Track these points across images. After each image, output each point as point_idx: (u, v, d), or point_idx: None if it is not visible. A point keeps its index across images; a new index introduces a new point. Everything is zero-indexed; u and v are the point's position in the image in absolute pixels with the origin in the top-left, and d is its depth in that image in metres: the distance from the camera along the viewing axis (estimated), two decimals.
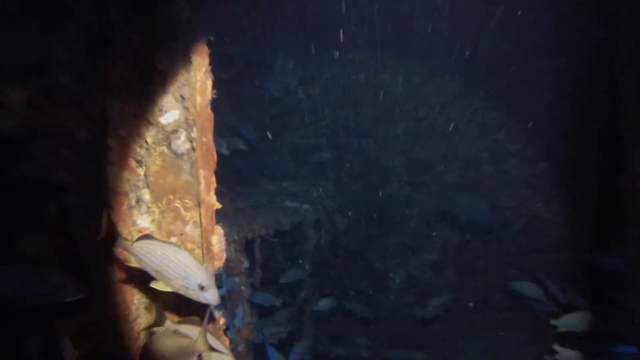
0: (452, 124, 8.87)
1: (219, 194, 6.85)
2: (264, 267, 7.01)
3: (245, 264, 6.21)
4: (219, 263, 2.75)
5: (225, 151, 8.23)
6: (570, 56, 8.01)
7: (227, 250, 6.01)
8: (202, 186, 2.55)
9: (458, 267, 9.03)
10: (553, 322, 6.17)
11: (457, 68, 8.68)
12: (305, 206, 7.83)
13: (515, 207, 8.66)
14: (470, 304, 8.78)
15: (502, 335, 8.04)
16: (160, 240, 2.37)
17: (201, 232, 2.58)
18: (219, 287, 6.24)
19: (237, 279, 6.15)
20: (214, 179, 2.65)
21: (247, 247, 6.39)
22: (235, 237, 6.11)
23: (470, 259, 8.92)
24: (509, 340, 7.89)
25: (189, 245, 2.61)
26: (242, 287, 6.19)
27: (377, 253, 9.39)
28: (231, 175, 9.34)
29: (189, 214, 2.59)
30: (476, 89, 8.68)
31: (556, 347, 6.06)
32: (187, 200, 2.57)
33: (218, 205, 2.67)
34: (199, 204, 2.55)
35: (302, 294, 7.69)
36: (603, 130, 7.50)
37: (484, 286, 8.78)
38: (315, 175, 9.50)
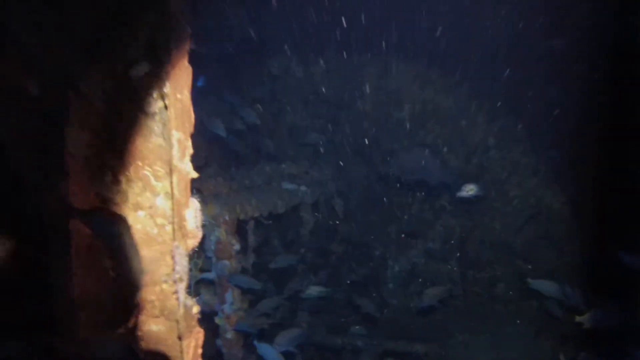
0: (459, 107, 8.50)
1: (214, 175, 6.49)
2: (257, 251, 6.67)
3: (237, 246, 5.86)
4: (193, 242, 2.39)
5: (222, 132, 7.90)
6: (581, 39, 7.62)
7: (219, 232, 5.67)
8: (175, 151, 2.17)
9: (461, 257, 8.68)
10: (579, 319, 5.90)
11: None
12: (303, 188, 7.47)
13: (523, 195, 8.31)
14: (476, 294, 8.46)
15: (506, 329, 7.71)
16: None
17: (172, 205, 2.22)
18: (207, 270, 5.93)
19: (227, 263, 5.81)
20: (189, 143, 2.28)
21: (239, 229, 6.04)
22: (227, 217, 5.75)
23: (474, 248, 8.57)
24: (512, 334, 7.56)
25: (158, 221, 2.24)
26: (233, 272, 5.85)
27: (377, 240, 9.04)
28: (228, 156, 8.99)
29: (160, 183, 2.22)
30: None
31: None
32: (158, 168, 2.20)
33: (194, 174, 2.31)
34: (170, 172, 2.18)
35: (294, 281, 7.35)
36: (619, 119, 7.19)
37: (488, 277, 8.45)
38: (315, 157, 9.13)
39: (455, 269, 8.71)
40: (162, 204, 2.24)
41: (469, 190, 7.74)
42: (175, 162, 2.17)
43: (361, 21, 8.91)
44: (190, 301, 2.34)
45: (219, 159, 8.47)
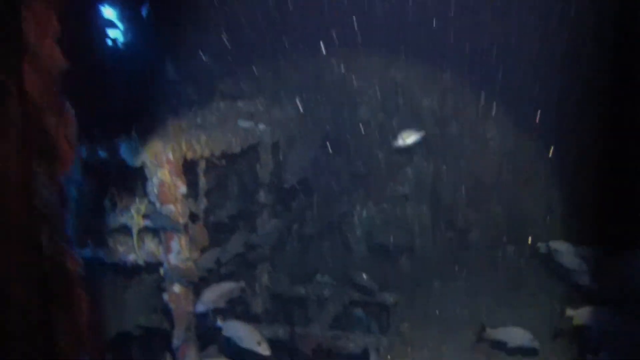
0: None
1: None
2: (210, 195, 6.00)
3: (183, 189, 5.17)
4: None
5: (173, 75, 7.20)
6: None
7: (161, 172, 4.98)
8: None
9: (432, 201, 8.15)
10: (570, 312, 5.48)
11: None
12: (262, 127, 6.76)
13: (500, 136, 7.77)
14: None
15: (481, 278, 7.28)
16: None
17: None
18: (147, 216, 5.24)
19: (172, 208, 5.13)
20: None
21: (187, 170, 5.34)
22: (170, 156, 5.03)
23: (447, 193, 8.05)
24: (488, 282, 7.13)
25: None
26: (179, 218, 5.17)
27: (343, 184, 8.43)
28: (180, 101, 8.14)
29: None
30: None
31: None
32: None
33: None
34: None
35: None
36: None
37: (462, 223, 7.96)
38: (276, 95, 8.36)
39: (426, 214, 8.18)
40: None
41: (406, 137, 7.20)
42: None
43: None
44: None
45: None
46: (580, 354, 5.39)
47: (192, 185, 5.52)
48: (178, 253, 5.23)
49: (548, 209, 7.48)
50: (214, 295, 5.38)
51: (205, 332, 6.05)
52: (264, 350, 5.10)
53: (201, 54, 7.79)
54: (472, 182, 7.93)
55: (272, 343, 5.61)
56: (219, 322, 5.61)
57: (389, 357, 5.69)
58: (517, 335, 5.44)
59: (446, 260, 7.85)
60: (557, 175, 7.32)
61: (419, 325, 6.39)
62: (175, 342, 5.45)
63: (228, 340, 5.40)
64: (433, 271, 7.62)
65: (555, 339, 5.81)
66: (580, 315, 5.38)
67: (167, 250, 5.25)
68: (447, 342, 5.99)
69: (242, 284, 6.05)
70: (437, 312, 6.67)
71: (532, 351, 5.45)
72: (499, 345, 5.59)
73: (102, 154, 5.27)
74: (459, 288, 7.16)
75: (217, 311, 5.70)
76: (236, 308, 7.12)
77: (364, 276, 7.07)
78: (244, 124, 6.63)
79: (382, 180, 8.40)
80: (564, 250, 6.19)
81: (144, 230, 5.41)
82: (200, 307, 5.33)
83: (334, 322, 7.09)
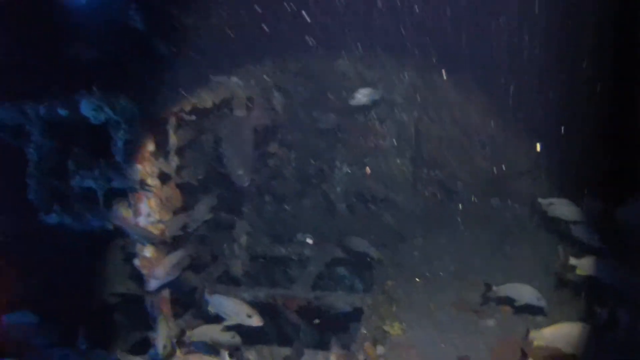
0: None
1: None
2: (182, 153, 5.63)
3: (151, 147, 4.81)
4: None
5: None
6: None
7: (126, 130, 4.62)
8: None
9: (414, 155, 7.87)
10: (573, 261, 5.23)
11: None
12: (235, 79, 6.36)
13: None
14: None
15: (465, 233, 7.08)
16: None
17: None
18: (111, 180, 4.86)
19: (140, 167, 4.78)
20: None
21: (155, 128, 4.97)
22: (136, 112, 4.65)
23: (430, 146, 7.77)
24: (473, 238, 6.94)
25: None
26: (148, 177, 4.82)
27: (323, 138, 8.08)
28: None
29: None
30: None
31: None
32: None
33: None
34: None
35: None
36: None
37: (445, 177, 7.71)
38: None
39: (408, 168, 7.90)
40: None
41: (364, 95, 6.91)
42: None
43: None
44: None
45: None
46: (588, 307, 5.17)
47: (161, 143, 5.16)
48: (148, 215, 4.91)
49: (536, 162, 7.26)
50: (165, 269, 5.04)
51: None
52: (257, 321, 4.92)
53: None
54: (457, 134, 7.66)
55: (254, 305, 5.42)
56: (206, 296, 5.28)
57: (372, 317, 5.46)
58: (523, 293, 5.22)
59: (431, 215, 7.64)
60: (546, 127, 7.06)
61: (405, 283, 6.18)
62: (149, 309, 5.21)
63: (217, 316, 5.17)
64: (417, 227, 7.40)
65: (558, 289, 5.62)
66: (583, 264, 5.16)
67: (136, 212, 4.93)
68: (434, 300, 5.80)
69: (192, 251, 5.74)
70: (422, 268, 6.46)
71: (538, 309, 5.23)
72: (506, 302, 5.40)
73: (62, 112, 4.87)
74: (445, 244, 6.94)
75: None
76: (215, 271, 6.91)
77: (360, 241, 6.86)
78: (217, 77, 6.23)
79: (362, 135, 8.07)
80: (562, 205, 6.00)
81: (111, 192, 5.06)
82: (153, 284, 5.03)
83: (318, 281, 6.94)
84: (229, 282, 7.06)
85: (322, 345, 5.94)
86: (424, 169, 7.83)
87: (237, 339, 5.00)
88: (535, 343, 4.54)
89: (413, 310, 5.65)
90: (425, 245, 6.99)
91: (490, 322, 5.26)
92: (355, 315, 5.80)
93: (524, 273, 5.85)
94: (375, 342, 5.11)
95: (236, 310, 4.97)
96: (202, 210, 5.90)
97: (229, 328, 4.96)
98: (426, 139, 7.75)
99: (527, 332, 4.61)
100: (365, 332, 5.25)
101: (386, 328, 5.25)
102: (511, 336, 5.05)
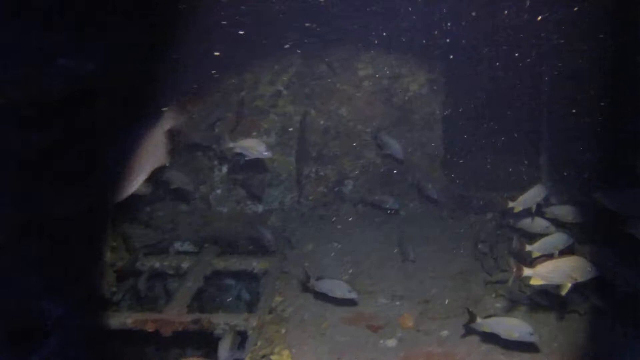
0: None
1: None
2: None
3: None
4: None
5: None
6: None
7: None
8: None
9: (298, 151, 7.20)
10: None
11: None
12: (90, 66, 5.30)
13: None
14: None
15: (360, 234, 6.55)
16: None
17: None
18: None
19: None
20: None
21: None
22: None
23: (317, 140, 7.14)
24: (368, 239, 6.42)
25: None
26: None
27: None
28: None
29: None
30: None
31: None
32: None
33: None
34: None
35: None
36: None
37: (335, 174, 7.13)
38: None
39: (292, 165, 7.24)
40: None
41: None
42: None
43: None
44: None
45: None
46: None
47: None
48: None
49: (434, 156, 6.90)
50: None
51: None
52: (356, 294, 5.16)
53: None
54: (346, 128, 7.08)
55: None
56: (311, 281, 5.38)
57: (258, 343, 4.71)
58: (513, 327, 4.45)
59: (321, 217, 7.02)
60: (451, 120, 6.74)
61: (295, 298, 5.49)
62: None
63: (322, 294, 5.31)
64: (307, 231, 6.74)
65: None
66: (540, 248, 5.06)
67: None
68: (327, 315, 5.14)
69: None
70: (314, 278, 5.81)
71: (529, 345, 4.54)
72: (492, 338, 4.58)
73: None
74: (337, 248, 6.34)
75: None
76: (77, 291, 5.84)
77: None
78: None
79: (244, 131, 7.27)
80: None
81: None
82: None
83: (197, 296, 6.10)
84: (94, 306, 6.02)
85: None
86: (310, 166, 7.18)
87: None
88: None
89: (304, 330, 4.95)
90: (316, 251, 6.34)
91: (391, 343, 4.68)
92: (240, 340, 5.02)
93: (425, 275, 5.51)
94: None
95: (339, 287, 5.19)
96: None
97: None
98: (312, 133, 7.10)
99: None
100: None
101: (274, 358, 4.50)
102: (414, 354, 4.51)
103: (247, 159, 6.02)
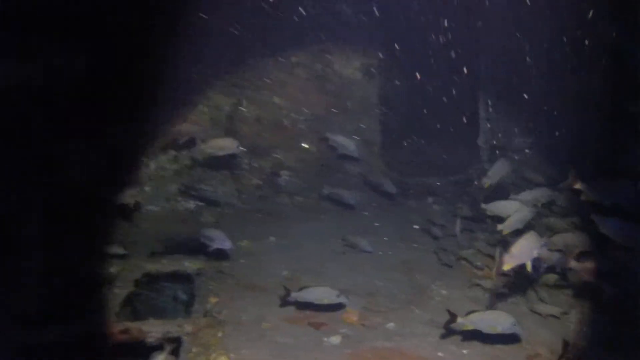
0: None
1: None
2: None
3: None
4: None
5: None
6: None
7: None
8: None
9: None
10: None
11: None
12: None
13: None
14: None
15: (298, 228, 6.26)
16: None
17: None
18: None
19: None
20: None
21: None
22: None
23: (249, 130, 6.81)
24: (306, 234, 6.14)
25: None
26: None
27: None
28: None
29: None
30: None
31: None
32: None
33: None
34: None
35: None
36: None
37: (270, 166, 6.82)
38: None
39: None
40: None
41: None
42: None
43: None
44: None
45: None
46: None
47: None
48: None
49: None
50: None
51: None
52: (344, 299, 4.88)
53: None
54: (279, 116, 6.79)
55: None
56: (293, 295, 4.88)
57: (193, 350, 4.34)
58: (496, 321, 4.26)
59: (257, 211, 6.70)
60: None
61: (231, 299, 5.15)
62: None
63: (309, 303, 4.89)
64: (243, 226, 6.39)
65: None
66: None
67: None
68: (267, 316, 4.83)
69: None
70: (251, 277, 5.48)
71: (513, 338, 4.37)
72: (474, 335, 4.34)
73: None
74: (275, 244, 6.04)
75: None
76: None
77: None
78: None
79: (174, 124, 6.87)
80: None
81: None
82: None
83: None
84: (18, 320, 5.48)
85: None
86: (243, 157, 6.85)
87: None
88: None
89: (243, 332, 4.61)
90: (253, 248, 6.01)
91: (335, 340, 4.41)
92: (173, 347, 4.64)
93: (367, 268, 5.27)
94: None
95: (325, 294, 4.82)
96: None
97: None
98: (244, 123, 6.76)
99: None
100: None
101: None
102: (361, 350, 4.28)
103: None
